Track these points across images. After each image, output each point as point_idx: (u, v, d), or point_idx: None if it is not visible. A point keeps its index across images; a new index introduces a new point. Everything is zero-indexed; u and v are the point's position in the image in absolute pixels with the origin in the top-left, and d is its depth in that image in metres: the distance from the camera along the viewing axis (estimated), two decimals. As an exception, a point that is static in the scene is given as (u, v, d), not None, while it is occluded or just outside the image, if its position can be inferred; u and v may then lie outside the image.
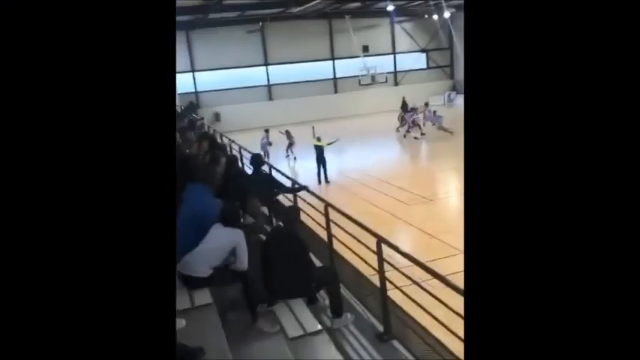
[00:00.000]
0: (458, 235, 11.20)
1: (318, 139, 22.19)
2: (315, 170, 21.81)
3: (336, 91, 47.23)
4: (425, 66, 50.59)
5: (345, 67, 46.30)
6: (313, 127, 26.30)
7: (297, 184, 10.39)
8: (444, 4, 37.69)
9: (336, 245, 8.18)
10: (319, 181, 21.27)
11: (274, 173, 11.39)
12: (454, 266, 8.34)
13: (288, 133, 26.68)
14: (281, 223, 6.69)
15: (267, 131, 26.62)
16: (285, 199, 10.45)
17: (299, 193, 10.17)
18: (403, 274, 5.85)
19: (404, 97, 37.39)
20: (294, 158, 26.70)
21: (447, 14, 39.48)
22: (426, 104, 32.50)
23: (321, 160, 21.78)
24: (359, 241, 6.92)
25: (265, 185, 9.27)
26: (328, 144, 21.92)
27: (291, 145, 27.01)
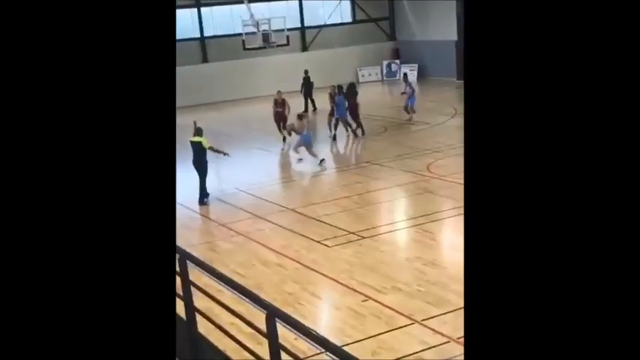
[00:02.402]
0: (407, 294, 7.92)
1: (198, 132, 13.32)
2: (195, 184, 13.32)
3: (205, 60, 28.41)
4: (350, 18, 31.27)
5: (220, 20, 28.20)
6: (195, 123, 13.93)
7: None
8: None
9: (204, 327, 5.79)
10: (201, 200, 13.14)
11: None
12: (400, 348, 6.69)
13: None
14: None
15: None
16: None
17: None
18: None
19: (306, 71, 23.20)
20: None
21: None
22: (340, 88, 18.64)
23: (200, 166, 13.16)
24: (240, 317, 4.96)
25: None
26: (210, 148, 13.12)
27: None
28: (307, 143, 15.46)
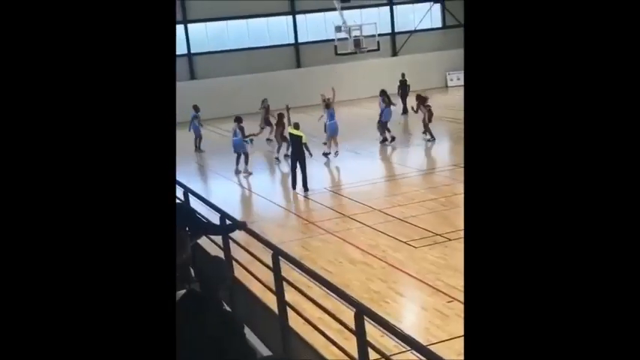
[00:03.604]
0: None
1: (296, 127, 14.26)
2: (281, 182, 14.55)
3: (298, 65, 28.72)
4: (440, 24, 30.85)
5: (314, 27, 28.32)
6: (288, 108, 15.36)
7: (229, 218, 6.63)
8: None
9: (294, 321, 5.55)
10: (294, 186, 14.16)
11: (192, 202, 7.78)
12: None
13: (241, 128, 16.55)
14: (196, 287, 4.38)
15: (238, 121, 16.68)
16: (210, 244, 6.88)
17: (233, 234, 6.50)
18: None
19: (403, 74, 22.65)
20: (249, 173, 16.44)
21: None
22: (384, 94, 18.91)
23: (298, 157, 13.98)
24: (329, 313, 4.82)
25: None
26: (305, 144, 13.94)
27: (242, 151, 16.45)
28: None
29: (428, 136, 17.99)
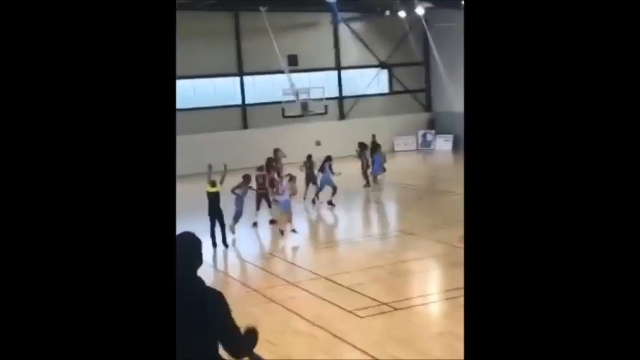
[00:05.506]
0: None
1: (213, 184, 14.34)
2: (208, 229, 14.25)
3: (245, 126, 28.75)
4: (387, 89, 31.52)
5: (261, 89, 28.50)
6: (210, 167, 14.82)
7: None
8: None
9: None
10: (214, 244, 14.17)
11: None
12: None
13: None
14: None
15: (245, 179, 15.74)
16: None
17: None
18: None
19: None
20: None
21: (420, 10, 25.38)
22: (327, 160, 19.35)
23: (216, 214, 14.24)
24: None
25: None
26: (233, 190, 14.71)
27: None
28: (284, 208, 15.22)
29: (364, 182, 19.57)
